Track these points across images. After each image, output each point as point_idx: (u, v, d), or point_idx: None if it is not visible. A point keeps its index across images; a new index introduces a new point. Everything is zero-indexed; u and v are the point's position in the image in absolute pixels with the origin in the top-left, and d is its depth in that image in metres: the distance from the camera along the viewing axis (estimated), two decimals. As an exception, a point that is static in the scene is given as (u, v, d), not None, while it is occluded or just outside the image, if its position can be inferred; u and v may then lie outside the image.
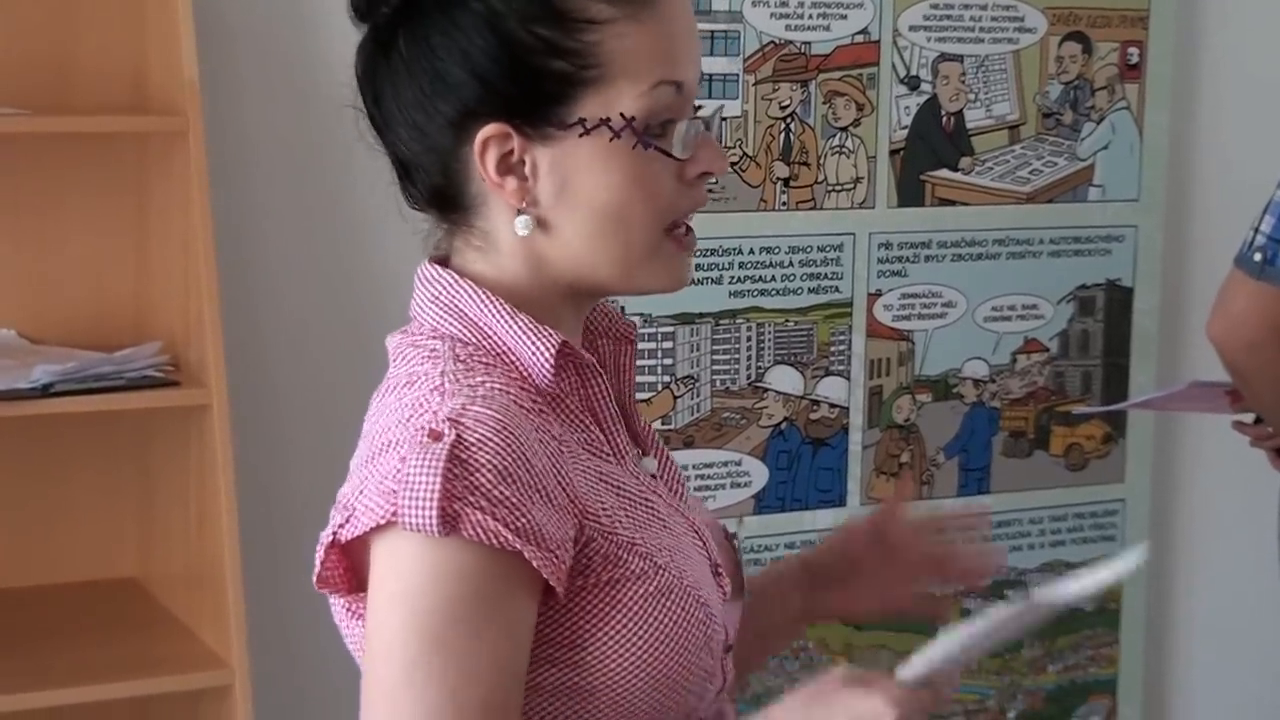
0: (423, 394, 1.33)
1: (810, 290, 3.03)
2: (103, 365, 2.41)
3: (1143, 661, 3.41)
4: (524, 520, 1.27)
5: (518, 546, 1.26)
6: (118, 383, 2.40)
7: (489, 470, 1.27)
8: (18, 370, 2.36)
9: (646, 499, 1.41)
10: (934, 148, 3.11)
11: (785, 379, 3.05)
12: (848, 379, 3.09)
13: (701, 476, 2.98)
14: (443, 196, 1.42)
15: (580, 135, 1.35)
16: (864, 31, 3.01)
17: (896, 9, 3.03)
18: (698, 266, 2.89)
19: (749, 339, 3.01)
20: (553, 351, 1.37)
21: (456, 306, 1.40)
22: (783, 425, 3.05)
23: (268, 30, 2.68)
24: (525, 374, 1.37)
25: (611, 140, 1.35)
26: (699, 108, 1.41)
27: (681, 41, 1.38)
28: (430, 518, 1.25)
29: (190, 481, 2.51)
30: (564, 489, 1.32)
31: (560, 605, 1.32)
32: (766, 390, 3.02)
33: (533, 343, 1.37)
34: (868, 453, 3.12)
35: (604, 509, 1.35)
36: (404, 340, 1.43)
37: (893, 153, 3.06)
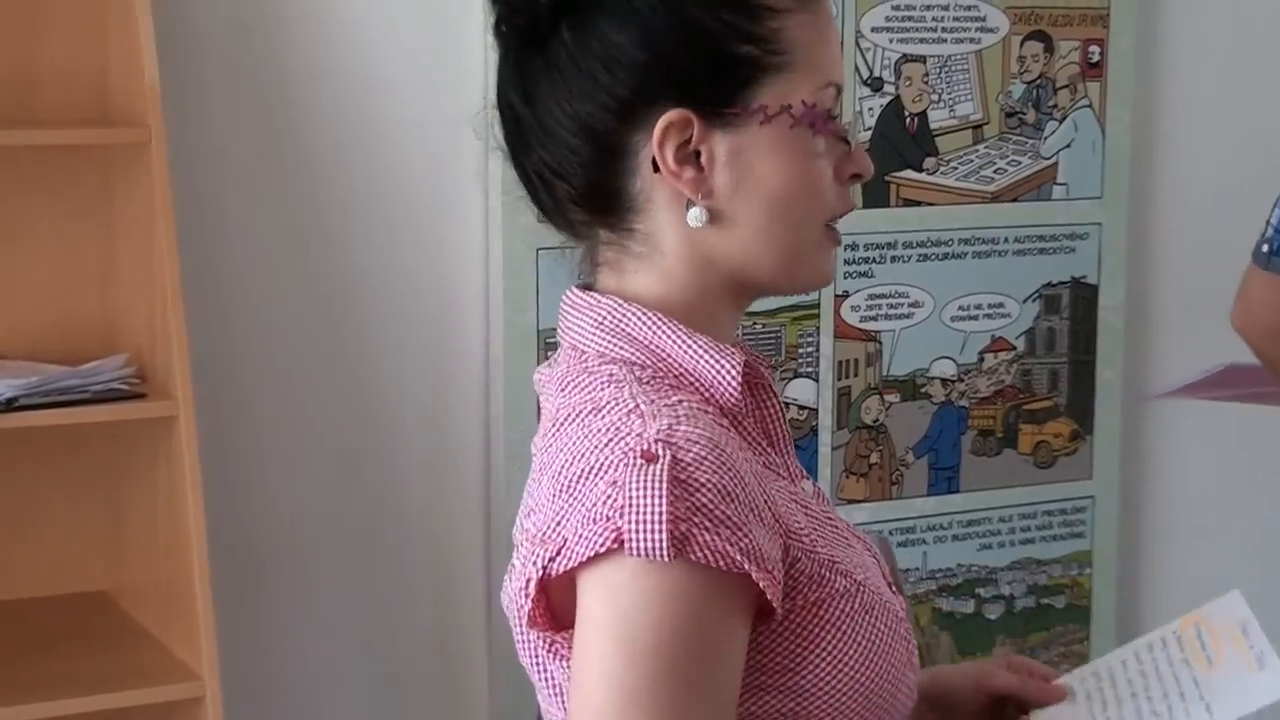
0: (618, 418, 1.27)
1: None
2: (68, 378, 2.40)
3: (1114, 657, 3.41)
4: (748, 540, 1.22)
5: (746, 567, 1.22)
6: (83, 396, 2.39)
7: (711, 489, 1.22)
8: (-18, 385, 2.35)
9: (829, 518, 1.38)
10: (898, 149, 3.12)
11: (754, 381, 3.05)
12: (816, 380, 3.10)
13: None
14: (601, 196, 1.36)
15: (761, 123, 1.33)
16: (826, 33, 3.02)
17: (859, 10, 3.04)
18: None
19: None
20: (738, 370, 1.33)
21: (625, 330, 1.35)
22: (752, 428, 3.05)
23: (229, 40, 2.68)
24: (708, 395, 1.33)
25: (792, 128, 1.33)
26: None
27: (837, 42, 1.39)
28: (660, 540, 1.20)
29: (159, 494, 2.51)
30: (770, 508, 1.28)
31: (773, 630, 1.28)
32: (735, 393, 3.03)
33: (716, 362, 1.33)
34: (837, 454, 3.13)
35: (802, 528, 1.31)
36: (570, 368, 1.36)
37: (857, 154, 3.07)
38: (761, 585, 1.23)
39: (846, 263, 3.09)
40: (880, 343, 3.15)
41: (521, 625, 1.31)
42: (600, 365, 1.35)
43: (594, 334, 1.37)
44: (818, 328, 3.09)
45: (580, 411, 1.31)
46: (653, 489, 1.21)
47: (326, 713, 2.85)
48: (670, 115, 1.32)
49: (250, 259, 2.74)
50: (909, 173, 3.13)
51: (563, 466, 1.28)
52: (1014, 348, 3.26)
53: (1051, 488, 3.32)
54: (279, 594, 2.80)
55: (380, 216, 2.79)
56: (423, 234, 2.81)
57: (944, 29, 3.12)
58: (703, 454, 1.23)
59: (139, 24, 2.43)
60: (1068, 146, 3.25)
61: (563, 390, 1.36)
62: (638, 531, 1.20)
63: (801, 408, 3.09)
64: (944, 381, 3.21)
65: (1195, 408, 3.44)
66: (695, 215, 1.33)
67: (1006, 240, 3.23)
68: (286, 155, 2.73)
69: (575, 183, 1.37)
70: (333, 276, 2.78)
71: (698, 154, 1.33)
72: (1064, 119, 3.24)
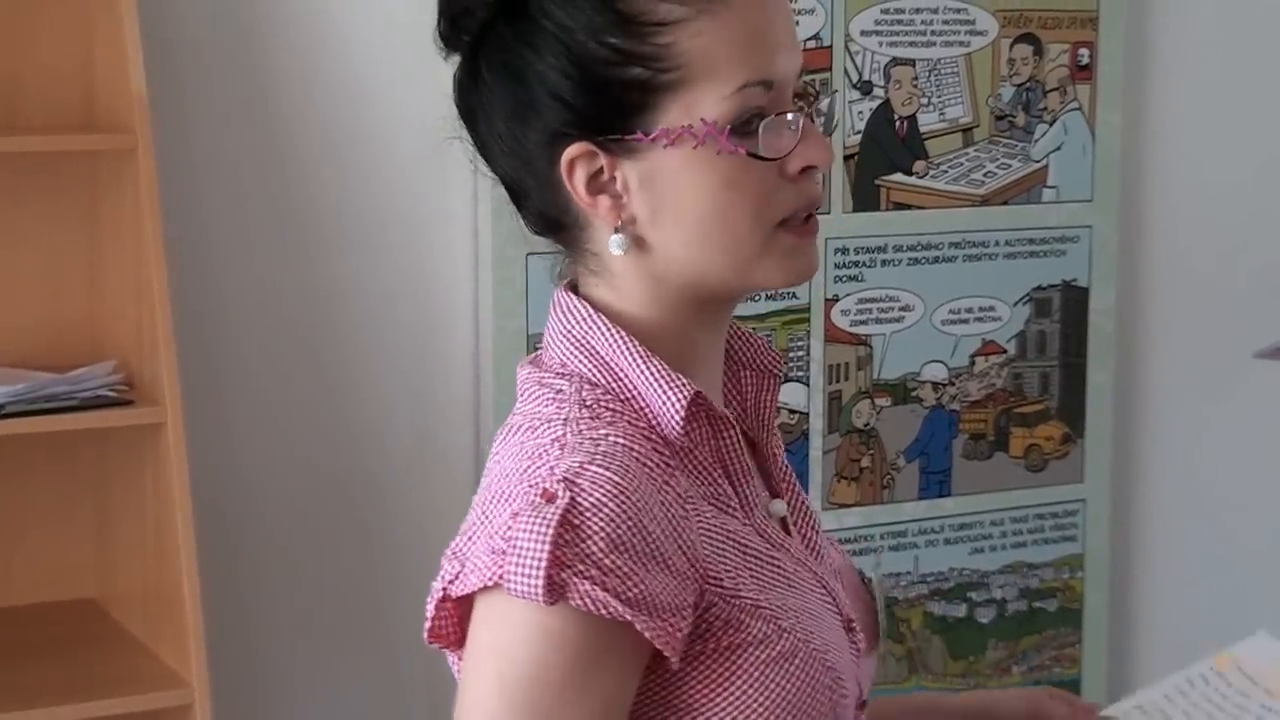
0: (543, 444, 1.29)
1: (768, 296, 3.03)
2: (56, 385, 2.40)
3: (1105, 661, 3.42)
4: (636, 590, 1.22)
5: (628, 617, 1.22)
6: (70, 403, 2.39)
7: (601, 538, 1.22)
8: (-31, 392, 2.34)
9: (773, 557, 1.36)
10: (888, 152, 3.11)
11: (744, 386, 3.05)
12: (807, 384, 3.09)
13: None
14: (550, 220, 1.37)
15: (665, 146, 1.29)
16: (816, 37, 3.02)
17: (848, 14, 3.03)
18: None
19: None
20: (684, 404, 1.31)
21: (589, 343, 1.35)
22: (742, 432, 3.05)
23: (216, 46, 2.67)
24: (654, 423, 1.32)
25: (696, 148, 1.29)
26: (813, 97, 1.36)
27: (768, 34, 1.31)
28: (536, 586, 1.21)
29: (147, 500, 2.50)
30: (684, 553, 1.27)
31: (675, 673, 1.28)
32: (725, 397, 3.02)
33: (664, 392, 1.32)
34: (828, 458, 3.12)
35: (727, 571, 1.30)
36: (531, 375, 1.37)
37: (847, 158, 3.07)
38: (648, 634, 1.23)
39: (837, 266, 3.09)
40: (871, 346, 3.14)
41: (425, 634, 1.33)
42: (554, 378, 1.35)
43: (560, 341, 1.37)
44: (808, 332, 3.08)
45: (522, 425, 1.33)
46: (539, 532, 1.22)
47: (315, 719, 2.84)
48: (572, 150, 1.31)
49: (238, 265, 2.73)
50: (899, 176, 3.13)
51: (491, 481, 1.31)
52: (1005, 351, 3.26)
53: (1043, 491, 3.31)
54: (268, 601, 2.79)
55: (368, 221, 2.79)
56: (412, 239, 2.80)
57: (933, 32, 3.12)
58: (602, 499, 1.23)
59: (125, 30, 2.43)
60: (1058, 149, 3.25)
61: (520, 395, 1.37)
62: (516, 573, 1.23)
63: (792, 412, 3.09)
64: (935, 385, 3.21)
65: (1186, 410, 3.44)
66: (617, 242, 1.32)
67: (997, 243, 3.23)
68: (274, 161, 2.73)
69: (527, 206, 1.38)
70: (321, 282, 2.78)
71: (613, 180, 1.31)
72: (1054, 122, 3.24)
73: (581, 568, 1.21)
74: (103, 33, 2.51)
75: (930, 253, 3.17)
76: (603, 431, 1.29)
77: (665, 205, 1.31)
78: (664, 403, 1.32)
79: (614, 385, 1.33)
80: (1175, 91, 3.38)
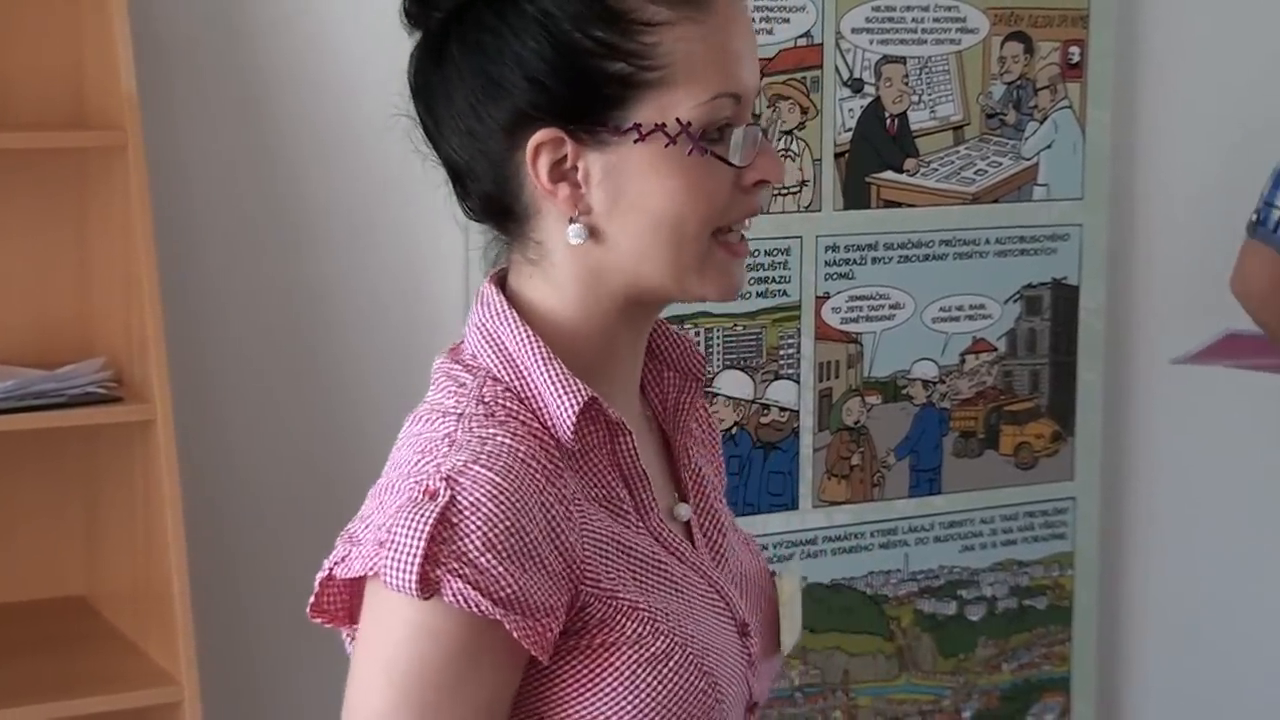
0: (436, 439, 1.32)
1: (758, 294, 3.03)
2: (44, 383, 2.39)
3: (1095, 659, 3.42)
4: (508, 589, 1.26)
5: (498, 616, 1.26)
6: (59, 400, 2.39)
7: (476, 536, 1.25)
8: (-42, 390, 2.34)
9: (660, 562, 1.38)
10: (878, 150, 3.11)
11: (735, 383, 3.05)
12: (797, 382, 3.09)
13: (652, 482, 2.98)
14: (497, 206, 1.39)
15: (635, 141, 1.32)
16: (806, 35, 3.02)
17: (839, 11, 3.03)
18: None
19: (698, 344, 3.01)
20: (576, 409, 1.33)
21: (499, 338, 1.37)
22: (733, 430, 3.05)
23: (205, 43, 2.67)
24: (549, 423, 1.34)
25: (667, 146, 1.32)
26: (758, 116, 1.38)
27: (740, 49, 1.35)
28: (410, 580, 1.25)
29: (136, 498, 2.50)
30: (561, 554, 1.29)
31: (548, 669, 1.32)
32: (716, 395, 3.02)
33: (559, 396, 1.34)
34: (818, 455, 3.12)
35: (606, 572, 1.33)
36: (443, 365, 1.40)
37: (838, 156, 3.07)
38: (516, 634, 1.27)
39: (827, 264, 3.09)
40: (861, 344, 3.15)
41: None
42: (461, 370, 1.38)
43: (474, 334, 1.39)
44: (798, 329, 3.08)
45: (424, 416, 1.36)
46: (417, 528, 1.26)
47: (306, 717, 2.84)
48: (540, 135, 1.33)
49: (227, 262, 2.73)
50: (889, 174, 3.13)
51: (389, 468, 1.35)
52: (995, 349, 3.26)
53: (1033, 489, 3.32)
54: (257, 598, 2.79)
55: (358, 219, 2.78)
56: (401, 237, 2.80)
57: (924, 30, 3.12)
58: (481, 498, 1.26)
59: (115, 27, 2.43)
60: (1048, 147, 3.25)
61: (431, 384, 1.40)
62: (392, 566, 1.26)
63: (782, 410, 3.09)
64: (925, 383, 3.21)
65: (1176, 407, 3.45)
66: (575, 232, 1.34)
67: (987, 241, 3.23)
68: (264, 158, 2.73)
69: (474, 192, 1.39)
70: (311, 279, 2.78)
71: (575, 169, 1.34)
72: (1044, 120, 3.24)
73: (455, 565, 1.25)
74: (93, 30, 2.51)
75: (921, 250, 3.17)
76: (492, 431, 1.32)
77: (624, 199, 1.33)
78: (558, 406, 1.34)
79: (515, 383, 1.36)
80: (1165, 90, 3.38)
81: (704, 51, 1.33)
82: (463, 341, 1.41)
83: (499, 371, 1.36)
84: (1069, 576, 3.37)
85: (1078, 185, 3.28)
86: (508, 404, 1.34)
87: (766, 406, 3.08)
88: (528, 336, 1.36)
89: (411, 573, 1.25)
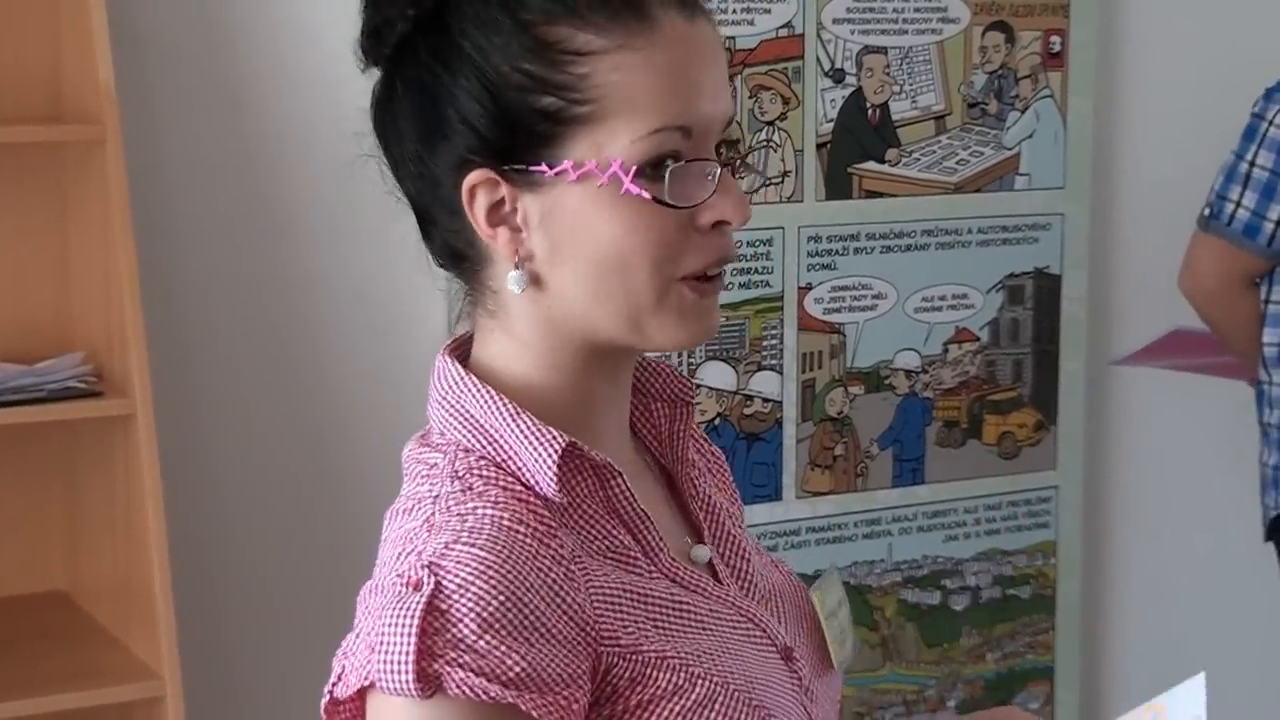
0: (415, 527, 1.24)
1: (741, 285, 3.03)
2: (23, 377, 2.39)
3: (1079, 648, 3.42)
4: (517, 667, 1.16)
5: (510, 699, 1.16)
6: (38, 395, 2.38)
7: (470, 619, 1.16)
8: (-64, 385, 2.33)
9: (680, 602, 1.29)
10: (860, 140, 3.11)
11: (718, 374, 3.05)
12: (780, 373, 3.09)
13: (635, 474, 2.98)
14: (453, 251, 1.30)
15: (570, 182, 1.23)
16: (788, 25, 3.01)
17: (819, 2, 3.03)
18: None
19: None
20: (555, 458, 1.24)
21: (462, 407, 1.28)
22: (716, 421, 3.05)
23: (184, 36, 2.66)
24: (531, 482, 1.25)
25: (600, 186, 1.22)
26: (735, 144, 1.29)
27: (696, 77, 1.24)
28: (407, 681, 1.16)
29: (117, 492, 2.49)
30: (571, 618, 1.20)
31: None
32: (699, 386, 3.02)
33: (534, 448, 1.25)
34: (802, 446, 3.12)
35: (624, 627, 1.24)
36: (412, 453, 1.32)
37: (819, 146, 3.07)
38: (535, 714, 1.17)
39: (810, 255, 3.09)
40: (844, 335, 3.14)
41: None
42: (430, 452, 1.29)
43: (437, 410, 1.31)
44: (781, 320, 3.08)
45: (401, 509, 1.28)
46: (405, 625, 1.17)
47: (288, 712, 2.83)
48: (472, 177, 1.24)
49: (207, 257, 2.72)
50: (871, 164, 3.13)
51: (376, 568, 1.26)
52: (978, 339, 3.26)
53: (1016, 478, 3.32)
54: (239, 592, 2.79)
55: (338, 214, 2.77)
56: (382, 232, 2.79)
57: (905, 20, 3.12)
58: (468, 578, 1.17)
59: (93, 20, 2.42)
60: (1030, 137, 3.25)
61: (405, 476, 1.31)
62: (386, 670, 1.17)
63: (766, 400, 3.09)
64: (908, 373, 3.21)
65: (1158, 397, 3.45)
66: (515, 278, 1.26)
67: (969, 231, 3.23)
68: (243, 152, 2.72)
69: (434, 236, 1.32)
70: (291, 274, 2.77)
71: (515, 212, 1.25)
72: (1026, 109, 3.24)
73: (453, 655, 1.16)
74: (70, 23, 2.50)
75: (903, 240, 3.17)
76: (471, 505, 1.23)
77: (563, 244, 1.24)
78: (535, 460, 1.25)
79: (489, 449, 1.27)
80: (1147, 79, 3.38)
81: (645, 81, 1.22)
82: (429, 426, 1.33)
83: (470, 441, 1.27)
84: (1052, 566, 3.37)
85: (1059, 174, 3.28)
86: (484, 472, 1.26)
87: (750, 397, 3.08)
88: (490, 396, 1.27)
89: (407, 672, 1.16)
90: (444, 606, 1.17)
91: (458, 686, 1.15)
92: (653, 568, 1.29)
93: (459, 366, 1.31)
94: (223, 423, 2.75)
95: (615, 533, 1.28)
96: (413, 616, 1.17)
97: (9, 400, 2.36)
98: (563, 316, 1.27)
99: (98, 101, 2.41)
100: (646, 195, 1.23)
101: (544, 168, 1.24)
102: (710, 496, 1.41)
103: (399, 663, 1.16)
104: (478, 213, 1.26)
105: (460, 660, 1.16)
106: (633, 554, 1.29)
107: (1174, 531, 3.51)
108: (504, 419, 1.27)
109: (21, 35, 2.55)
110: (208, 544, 2.73)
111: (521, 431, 1.26)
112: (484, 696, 1.16)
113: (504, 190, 1.25)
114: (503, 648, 1.17)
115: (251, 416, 2.76)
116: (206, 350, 2.73)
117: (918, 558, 3.25)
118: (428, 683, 1.16)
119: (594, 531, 1.27)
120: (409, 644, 1.16)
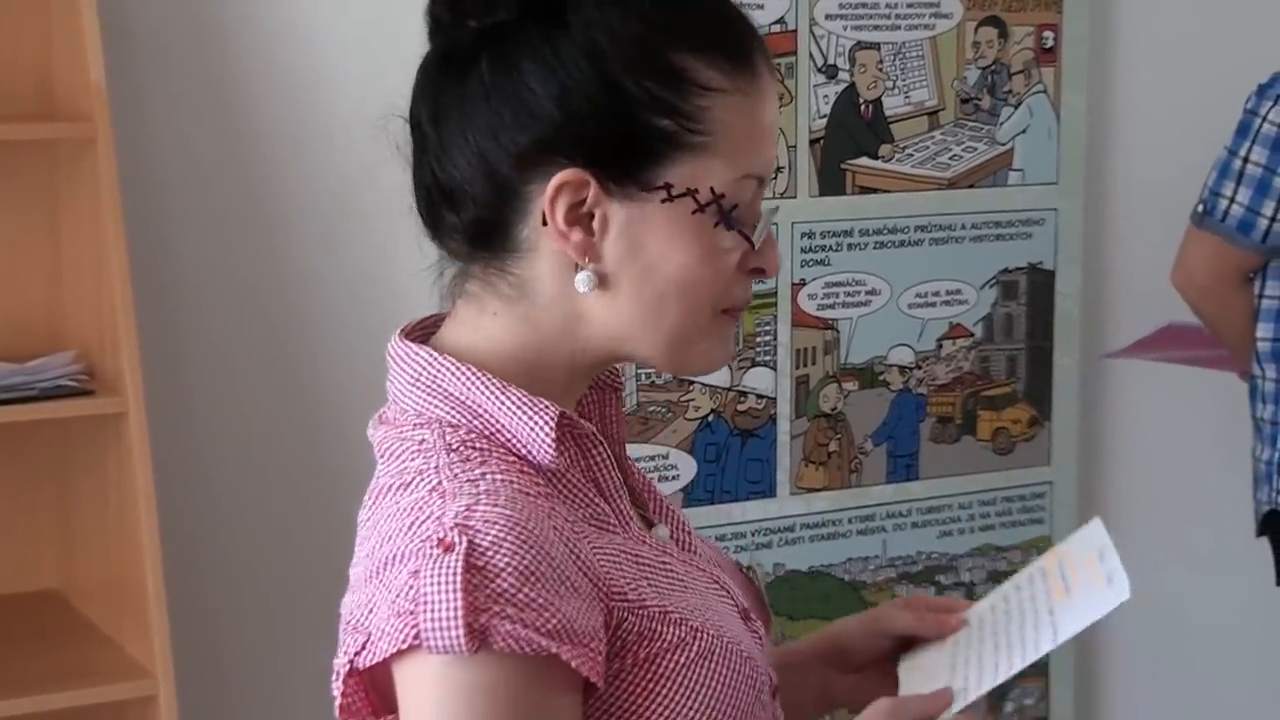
0: (421, 496, 1.25)
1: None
2: (14, 376, 2.38)
3: (1074, 644, 3.42)
4: (555, 620, 1.20)
5: (553, 650, 1.19)
6: (30, 393, 2.37)
7: (510, 573, 1.19)
8: (-72, 384, 2.33)
9: (665, 563, 1.34)
10: (853, 136, 3.11)
11: (711, 371, 3.04)
12: (774, 369, 3.09)
13: (629, 471, 2.97)
14: (485, 233, 1.31)
15: (663, 201, 1.28)
16: (780, 21, 3.01)
17: (812, -2, 3.03)
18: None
19: None
20: (551, 425, 1.29)
21: (440, 386, 1.31)
22: (710, 417, 3.04)
23: (175, 33, 2.66)
24: (523, 453, 1.29)
25: (694, 213, 1.28)
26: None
27: (771, 131, 1.33)
28: (458, 637, 1.18)
29: (109, 491, 2.49)
30: (586, 574, 1.25)
31: (604, 695, 1.26)
32: (693, 383, 3.02)
33: (528, 418, 1.29)
34: (796, 442, 3.12)
35: (629, 584, 1.28)
36: (387, 434, 1.33)
37: (813, 142, 3.06)
38: (574, 664, 1.20)
39: (803, 251, 3.09)
40: (838, 331, 3.14)
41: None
42: (413, 430, 1.31)
43: (411, 391, 1.33)
44: (775, 316, 3.08)
45: (392, 485, 1.29)
46: (447, 582, 1.19)
47: (282, 711, 2.83)
48: (566, 174, 1.27)
49: (199, 254, 2.72)
50: (865, 160, 3.12)
51: (374, 548, 1.27)
52: (972, 334, 3.26)
53: (1010, 474, 3.32)
54: (232, 591, 2.78)
55: (331, 211, 2.77)
56: (374, 230, 2.79)
57: (898, 15, 3.12)
58: (501, 535, 1.20)
59: (84, 18, 2.41)
60: (1023, 132, 3.25)
61: (381, 457, 1.33)
62: (434, 629, 1.18)
63: (760, 396, 3.09)
64: (902, 369, 3.21)
65: (1152, 392, 3.45)
66: (584, 279, 1.29)
67: (963, 227, 3.23)
68: (236, 151, 2.71)
69: (463, 213, 1.32)
70: (284, 271, 2.77)
71: (592, 216, 1.28)
72: (1019, 105, 3.24)
73: (498, 608, 1.18)
74: (61, 20, 2.50)
75: (896, 236, 3.17)
76: (478, 471, 1.26)
77: (641, 257, 1.29)
78: (530, 429, 1.29)
79: (475, 424, 1.30)
80: (1140, 74, 3.38)
81: (746, 127, 1.30)
82: (388, 409, 1.35)
83: (453, 418, 1.30)
84: (1047, 561, 3.36)
85: (1053, 170, 3.28)
86: (476, 444, 1.28)
87: (744, 394, 3.07)
88: (473, 373, 1.30)
89: (457, 628, 1.17)
90: (480, 563, 1.19)
91: (504, 640, 1.18)
92: (628, 534, 1.34)
93: (427, 350, 1.33)
94: (215, 421, 2.74)
95: (595, 501, 1.33)
96: (455, 574, 1.18)
97: (0, 399, 2.36)
98: (601, 320, 1.31)
99: (89, 99, 2.41)
100: (736, 231, 1.30)
101: (641, 182, 1.28)
102: (645, 475, 1.46)
103: (447, 619, 1.18)
104: (558, 209, 1.28)
105: (505, 613, 1.18)
106: (611, 521, 1.33)
107: (1167, 526, 3.51)
108: (491, 394, 1.30)
109: (12, 33, 2.54)
110: (200, 542, 2.73)
111: (513, 403, 1.29)
112: (528, 649, 1.19)
113: (590, 192, 1.28)
114: (542, 599, 1.20)
115: (243, 415, 2.76)
116: (198, 348, 2.73)
117: (912, 554, 3.25)
118: (475, 636, 1.18)
119: (579, 499, 1.32)
120: (455, 600, 1.18)
